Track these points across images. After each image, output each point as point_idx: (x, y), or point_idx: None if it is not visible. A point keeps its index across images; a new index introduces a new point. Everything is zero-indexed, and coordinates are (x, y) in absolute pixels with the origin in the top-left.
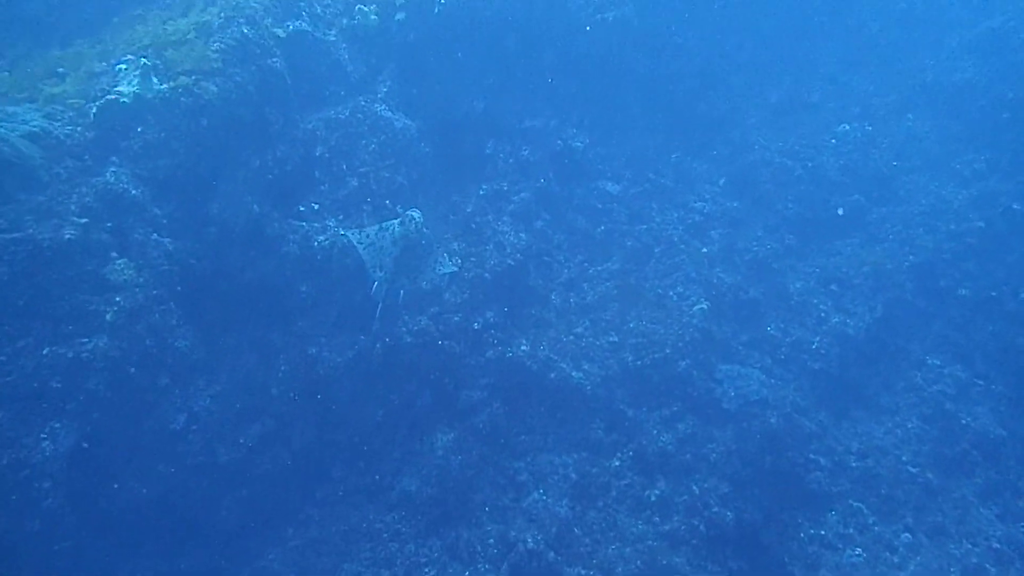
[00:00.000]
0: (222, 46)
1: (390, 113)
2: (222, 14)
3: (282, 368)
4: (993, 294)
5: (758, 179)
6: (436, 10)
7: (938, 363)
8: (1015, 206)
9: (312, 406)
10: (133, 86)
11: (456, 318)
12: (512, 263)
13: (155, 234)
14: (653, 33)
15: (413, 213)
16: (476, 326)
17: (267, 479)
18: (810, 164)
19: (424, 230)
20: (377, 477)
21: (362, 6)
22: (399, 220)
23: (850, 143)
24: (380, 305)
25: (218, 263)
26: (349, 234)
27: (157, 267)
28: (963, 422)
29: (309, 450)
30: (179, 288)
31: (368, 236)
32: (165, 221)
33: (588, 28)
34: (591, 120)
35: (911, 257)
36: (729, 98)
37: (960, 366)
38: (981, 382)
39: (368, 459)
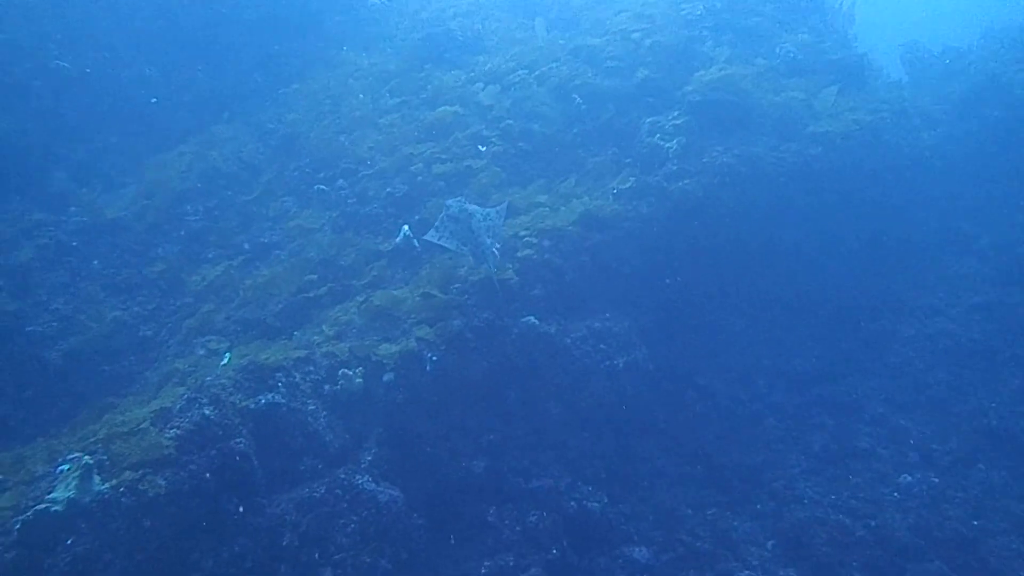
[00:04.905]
0: (179, 432)
1: (374, 485)
2: (185, 396)
3: None
4: None
5: (813, 541)
6: (428, 368)
7: None
8: None
9: None
10: (70, 490)
11: None
12: None
13: None
14: (671, 375)
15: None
16: None
17: None
18: (873, 523)
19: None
20: None
21: (346, 370)
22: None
23: (916, 497)
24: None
25: None
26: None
27: None
28: None
29: None
30: None
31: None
32: None
33: (597, 376)
34: (609, 474)
35: None
36: (766, 443)
37: None
38: None
39: None
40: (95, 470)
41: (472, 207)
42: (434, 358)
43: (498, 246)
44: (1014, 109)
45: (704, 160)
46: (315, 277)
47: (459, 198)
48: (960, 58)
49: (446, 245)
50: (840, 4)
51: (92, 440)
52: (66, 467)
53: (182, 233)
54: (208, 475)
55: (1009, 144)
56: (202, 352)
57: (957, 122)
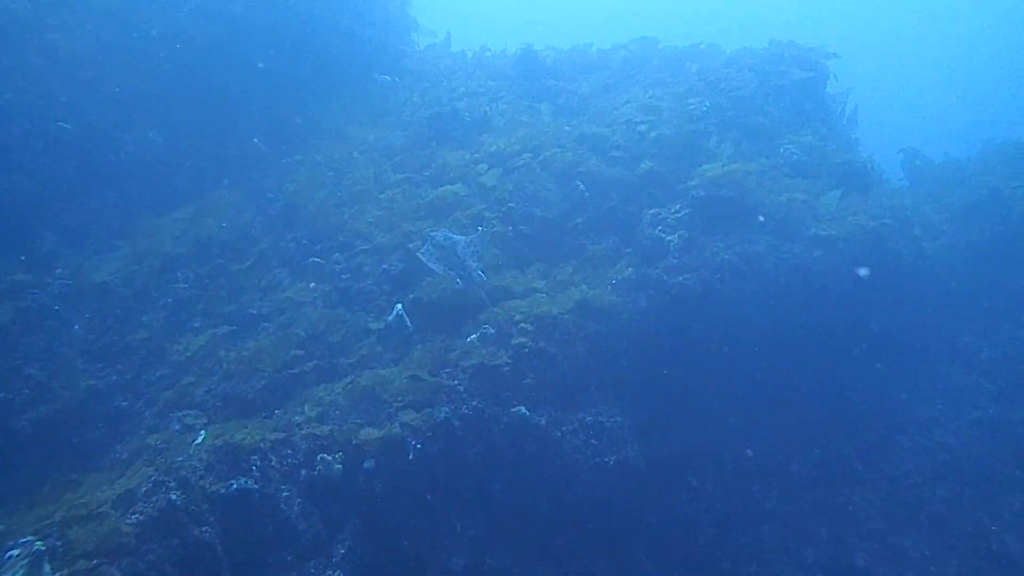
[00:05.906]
0: (141, 518)
1: None
2: (152, 478)
3: None
4: None
5: None
6: (411, 456)
7: None
8: None
9: None
10: None
11: None
12: None
13: None
14: (663, 474)
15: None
16: None
17: None
18: None
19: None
20: None
21: (326, 455)
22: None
23: None
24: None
25: None
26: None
27: None
28: None
29: None
30: None
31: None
32: None
33: (587, 472)
34: None
35: None
36: (758, 552)
37: None
38: None
39: None
40: (46, 557)
41: (456, 236)
42: (418, 446)
43: (482, 272)
44: (1013, 224)
45: (705, 255)
46: (302, 353)
47: (443, 230)
48: (960, 169)
49: (435, 269)
50: (843, 108)
51: (47, 522)
52: (16, 552)
53: (169, 300)
54: (168, 566)
55: (1009, 259)
56: (177, 427)
57: (958, 232)
